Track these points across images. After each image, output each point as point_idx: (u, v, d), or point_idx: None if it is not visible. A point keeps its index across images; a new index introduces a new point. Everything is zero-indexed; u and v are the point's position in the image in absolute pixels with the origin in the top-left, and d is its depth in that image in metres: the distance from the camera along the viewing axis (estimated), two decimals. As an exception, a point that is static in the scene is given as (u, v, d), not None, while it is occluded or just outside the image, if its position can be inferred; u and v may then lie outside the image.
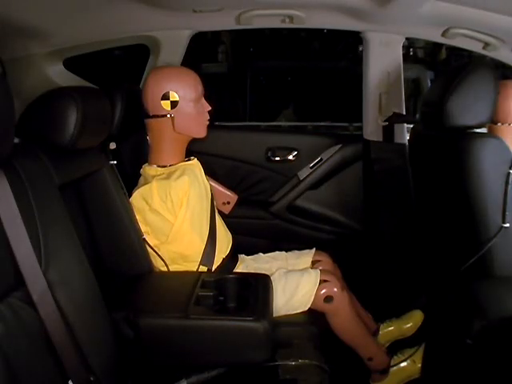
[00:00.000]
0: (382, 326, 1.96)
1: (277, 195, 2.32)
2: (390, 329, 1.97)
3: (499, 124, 1.79)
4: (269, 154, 2.30)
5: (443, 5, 1.66)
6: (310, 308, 1.63)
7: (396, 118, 2.10)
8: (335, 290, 1.64)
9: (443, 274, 1.77)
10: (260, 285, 1.46)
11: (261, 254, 1.87)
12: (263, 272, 1.64)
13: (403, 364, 1.83)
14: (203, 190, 1.66)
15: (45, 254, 0.99)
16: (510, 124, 1.79)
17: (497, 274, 1.50)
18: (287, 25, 2.01)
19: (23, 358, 0.91)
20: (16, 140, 0.98)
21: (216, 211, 1.75)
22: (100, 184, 1.51)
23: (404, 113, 2.14)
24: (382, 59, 2.09)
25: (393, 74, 2.10)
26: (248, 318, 1.29)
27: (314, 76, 5.09)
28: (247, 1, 1.82)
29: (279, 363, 1.47)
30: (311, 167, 2.29)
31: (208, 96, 1.68)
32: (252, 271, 1.74)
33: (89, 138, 1.33)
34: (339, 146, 2.27)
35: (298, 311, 1.63)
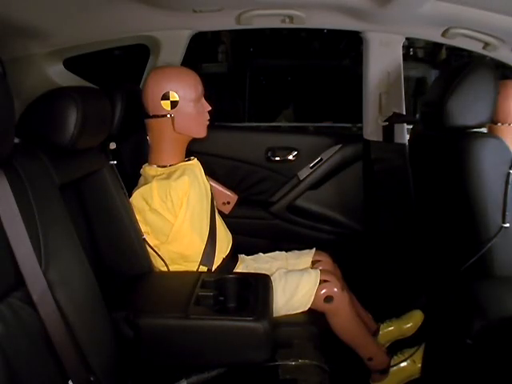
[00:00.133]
0: (382, 326, 1.97)
1: (277, 195, 2.32)
2: (390, 329, 1.97)
3: (499, 124, 1.79)
4: (269, 154, 2.30)
5: (443, 5, 1.66)
6: (310, 308, 1.63)
7: (396, 118, 2.10)
8: (335, 289, 1.64)
9: (443, 274, 1.77)
10: (260, 285, 1.46)
11: (261, 254, 1.87)
12: (263, 272, 1.64)
13: (403, 364, 1.83)
14: (203, 190, 1.66)
15: (45, 254, 0.99)
16: (510, 124, 1.79)
17: (497, 273, 1.50)
18: (287, 25, 2.01)
19: (23, 358, 0.91)
20: (16, 140, 0.98)
21: (216, 211, 1.75)
22: (100, 184, 1.51)
23: (404, 113, 2.14)
24: (382, 59, 2.09)
25: (393, 74, 2.10)
26: (248, 318, 1.29)
27: (316, 75, 5.07)
28: (247, 1, 1.82)
29: (279, 363, 1.46)
30: (311, 167, 2.29)
31: (208, 96, 1.68)
32: (252, 271, 1.74)
33: (89, 138, 1.33)
34: (339, 146, 2.27)
35: (298, 311, 1.63)
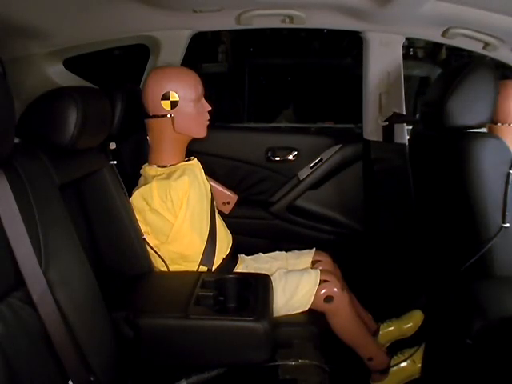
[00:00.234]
0: (382, 326, 1.97)
1: (277, 195, 2.32)
2: (390, 329, 1.97)
3: (499, 124, 1.79)
4: (269, 154, 2.30)
5: (443, 5, 1.66)
6: (310, 308, 1.63)
7: (396, 118, 2.10)
8: (335, 289, 1.64)
9: (443, 274, 1.77)
10: (260, 285, 1.46)
11: (261, 254, 1.87)
12: (263, 272, 1.64)
13: (403, 364, 1.83)
14: (203, 190, 1.66)
15: (45, 254, 0.99)
16: (510, 124, 1.79)
17: (497, 273, 1.50)
18: (287, 25, 2.01)
19: (23, 358, 0.91)
20: (16, 140, 0.98)
21: (216, 211, 1.75)
22: (100, 184, 1.51)
23: (404, 113, 2.14)
24: (382, 59, 2.09)
25: (393, 74, 2.10)
26: (248, 318, 1.29)
27: (317, 74, 5.05)
28: (247, 1, 1.82)
29: (279, 363, 1.46)
30: (311, 167, 2.29)
31: (208, 96, 1.68)
32: (252, 271, 1.74)
33: (89, 138, 1.33)
34: (339, 146, 2.27)
35: (298, 311, 1.63)
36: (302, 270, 1.73)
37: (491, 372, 1.26)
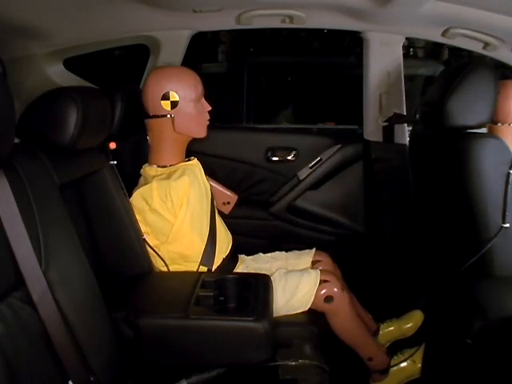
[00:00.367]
0: (382, 326, 1.97)
1: (277, 195, 2.32)
2: (390, 329, 1.97)
3: (499, 124, 1.79)
4: (268, 154, 2.30)
5: (443, 5, 1.66)
6: (310, 308, 1.63)
7: (396, 119, 2.10)
8: (335, 290, 1.64)
9: (443, 274, 1.77)
10: (260, 285, 1.46)
11: (261, 254, 1.87)
12: (263, 272, 1.64)
13: (403, 364, 1.83)
14: (203, 190, 1.66)
15: (45, 253, 0.99)
16: (510, 124, 1.79)
17: (497, 273, 1.50)
18: (287, 25, 2.01)
19: (23, 358, 0.91)
20: (16, 140, 0.98)
21: (216, 211, 1.75)
22: (100, 184, 1.51)
23: (405, 113, 2.14)
24: (382, 59, 2.09)
25: (393, 74, 2.10)
26: (248, 318, 1.29)
27: (318, 74, 5.02)
28: (247, 1, 1.82)
29: (279, 363, 1.46)
30: (311, 167, 2.29)
31: (208, 96, 1.68)
32: (252, 271, 1.74)
33: (89, 138, 1.33)
34: (339, 146, 2.27)
35: (298, 311, 1.63)
36: (302, 270, 1.73)
37: (491, 372, 1.26)
